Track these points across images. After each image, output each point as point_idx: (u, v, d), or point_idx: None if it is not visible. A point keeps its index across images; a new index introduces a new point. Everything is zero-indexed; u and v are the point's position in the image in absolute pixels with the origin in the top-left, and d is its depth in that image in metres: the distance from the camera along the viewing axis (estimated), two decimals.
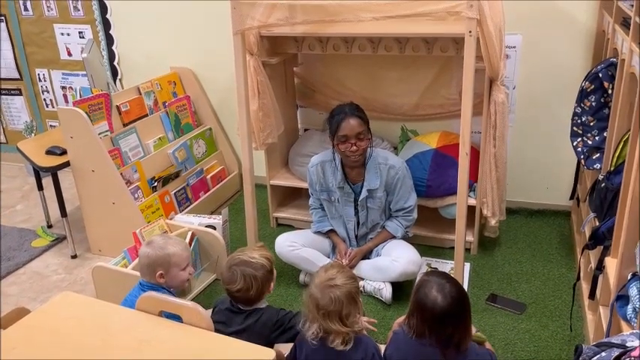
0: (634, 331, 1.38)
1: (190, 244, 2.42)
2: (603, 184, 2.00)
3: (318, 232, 2.58)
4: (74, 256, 2.89)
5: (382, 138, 2.96)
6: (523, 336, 2.16)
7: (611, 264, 1.80)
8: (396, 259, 2.37)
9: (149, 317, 1.45)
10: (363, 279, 2.45)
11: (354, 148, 2.33)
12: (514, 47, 2.74)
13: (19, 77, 3.86)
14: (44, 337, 1.38)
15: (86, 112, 2.59)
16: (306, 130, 3.22)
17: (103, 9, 3.41)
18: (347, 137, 2.32)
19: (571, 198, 2.82)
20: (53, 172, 2.77)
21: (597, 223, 2.03)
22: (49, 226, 3.22)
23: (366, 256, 2.53)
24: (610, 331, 1.64)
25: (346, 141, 2.33)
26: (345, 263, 2.44)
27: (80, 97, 2.71)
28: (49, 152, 2.84)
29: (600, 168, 2.17)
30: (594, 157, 2.23)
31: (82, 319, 1.45)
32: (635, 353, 1.13)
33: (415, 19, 2.35)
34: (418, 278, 1.62)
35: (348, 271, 1.74)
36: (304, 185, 2.87)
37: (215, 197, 3.26)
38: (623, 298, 1.60)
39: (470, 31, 1.99)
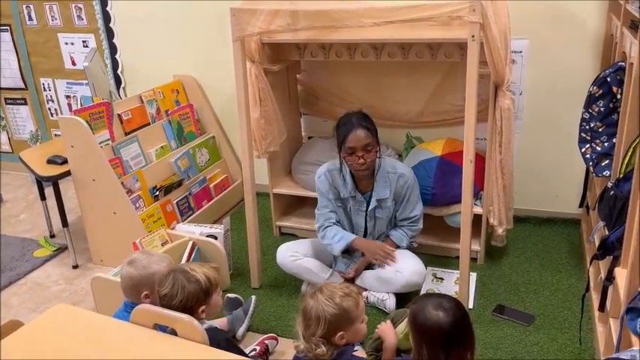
0: None
1: (191, 254, 2.39)
2: (612, 192, 1.94)
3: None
4: (75, 267, 2.87)
5: (387, 145, 2.92)
6: (531, 349, 2.10)
7: (621, 275, 1.74)
8: (400, 269, 2.32)
9: (144, 330, 1.42)
10: (366, 289, 2.40)
11: (362, 160, 2.27)
12: (520, 52, 2.69)
13: (24, 87, 3.87)
14: (35, 351, 1.35)
15: (86, 121, 2.58)
16: (309, 137, 3.19)
17: (107, 18, 3.41)
18: (354, 149, 2.27)
19: (580, 206, 2.75)
20: (54, 181, 2.76)
21: (607, 232, 1.97)
22: (52, 236, 3.20)
23: (370, 266, 2.48)
24: (620, 345, 1.58)
25: (353, 153, 2.27)
26: (349, 273, 2.42)
27: (81, 105, 2.70)
28: (50, 161, 2.82)
29: (610, 175, 2.11)
30: (603, 164, 2.17)
31: (75, 333, 1.42)
32: None
33: (419, 25, 2.32)
34: (409, 311, 1.55)
35: (340, 300, 1.70)
36: (308, 194, 2.84)
37: (218, 206, 3.23)
38: (633, 311, 1.53)
39: (472, 36, 1.95)
